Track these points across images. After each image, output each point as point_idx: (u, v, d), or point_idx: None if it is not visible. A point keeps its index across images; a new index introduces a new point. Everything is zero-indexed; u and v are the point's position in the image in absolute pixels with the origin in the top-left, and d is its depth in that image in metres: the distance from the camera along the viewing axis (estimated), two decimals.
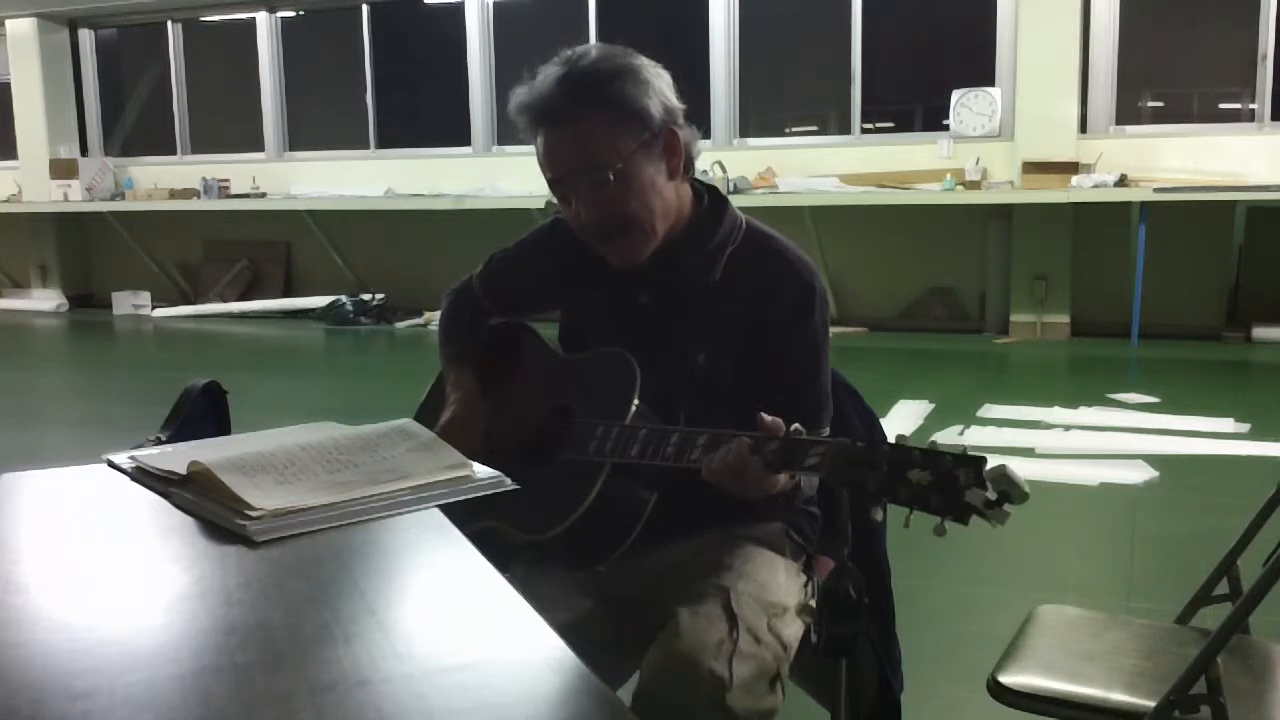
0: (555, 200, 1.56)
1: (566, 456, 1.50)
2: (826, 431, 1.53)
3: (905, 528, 1.20)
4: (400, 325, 8.23)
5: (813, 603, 1.51)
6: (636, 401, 1.47)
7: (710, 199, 1.59)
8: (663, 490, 1.47)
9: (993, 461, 1.13)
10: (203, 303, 9.27)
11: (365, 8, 9.04)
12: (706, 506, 1.40)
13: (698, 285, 1.55)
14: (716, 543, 1.51)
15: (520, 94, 1.50)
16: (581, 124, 1.46)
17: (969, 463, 1.13)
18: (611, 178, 1.46)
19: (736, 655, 1.33)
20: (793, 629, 1.44)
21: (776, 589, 1.46)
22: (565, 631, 0.86)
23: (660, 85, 1.49)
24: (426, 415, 1.73)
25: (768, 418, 1.31)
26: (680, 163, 1.52)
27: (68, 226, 10.00)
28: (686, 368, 1.54)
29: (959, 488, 1.12)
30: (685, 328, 1.56)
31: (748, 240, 1.58)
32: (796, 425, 1.30)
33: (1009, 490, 1.10)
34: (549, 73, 1.48)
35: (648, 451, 1.41)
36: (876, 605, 1.63)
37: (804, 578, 1.55)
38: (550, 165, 1.50)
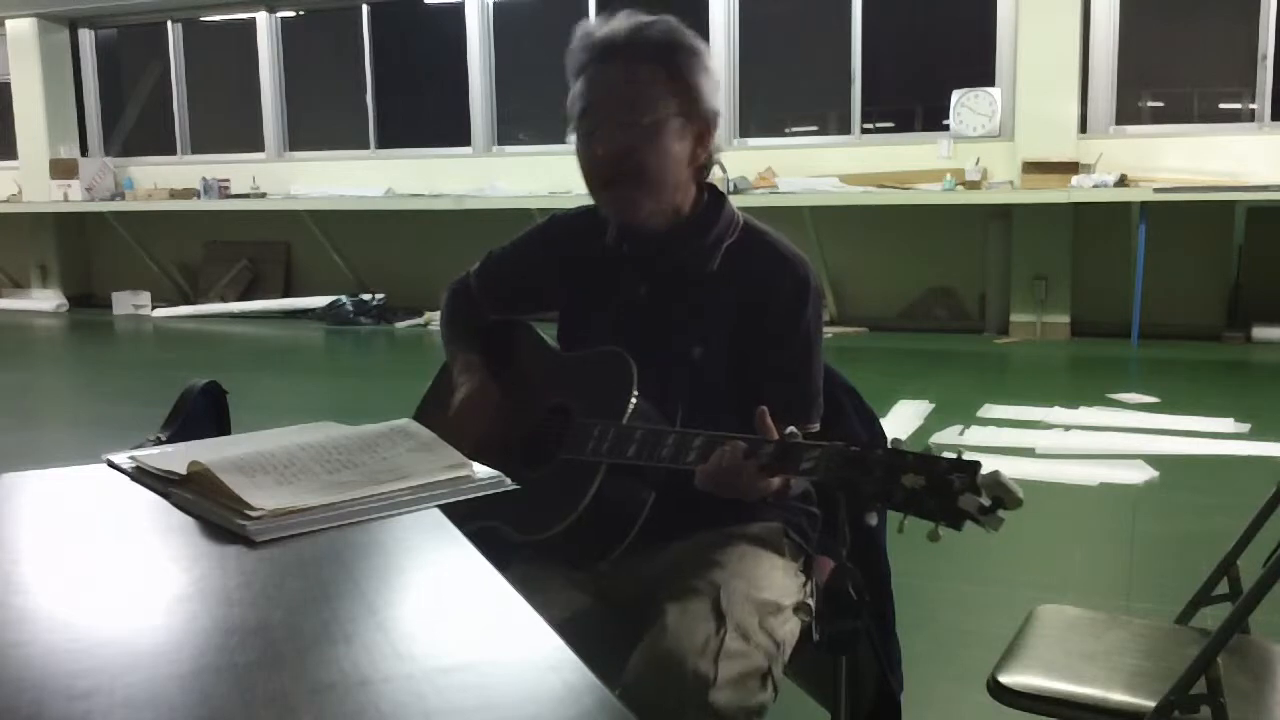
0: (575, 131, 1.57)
1: (564, 457, 1.50)
2: (816, 427, 1.54)
3: (899, 532, 1.21)
4: (400, 325, 8.23)
5: (811, 602, 1.52)
6: (634, 400, 1.48)
7: (709, 195, 1.62)
8: (660, 489, 1.47)
9: (991, 463, 1.13)
10: (203, 303, 9.27)
11: (365, 8, 9.04)
12: (705, 506, 1.41)
13: (696, 275, 1.57)
14: (714, 541, 1.51)
15: (592, 25, 1.54)
16: (640, 70, 1.50)
17: (963, 468, 1.13)
18: (643, 124, 1.49)
19: (722, 654, 1.33)
20: (787, 627, 1.44)
21: (771, 587, 1.46)
22: (562, 629, 0.86)
23: (717, 83, 1.55)
24: (431, 406, 1.73)
25: (768, 418, 1.31)
26: (703, 156, 1.56)
27: (68, 226, 10.00)
28: (683, 362, 1.55)
29: (953, 493, 1.12)
30: (682, 320, 1.57)
31: (744, 235, 1.60)
32: (792, 429, 1.30)
33: (1003, 496, 1.10)
34: (629, 18, 1.53)
35: (644, 452, 1.41)
36: (877, 605, 1.63)
37: (803, 578, 1.55)
38: (590, 93, 1.53)
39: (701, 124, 1.54)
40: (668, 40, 1.51)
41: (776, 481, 1.34)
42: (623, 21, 1.52)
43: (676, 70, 1.50)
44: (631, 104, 1.50)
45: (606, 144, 1.52)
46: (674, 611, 1.37)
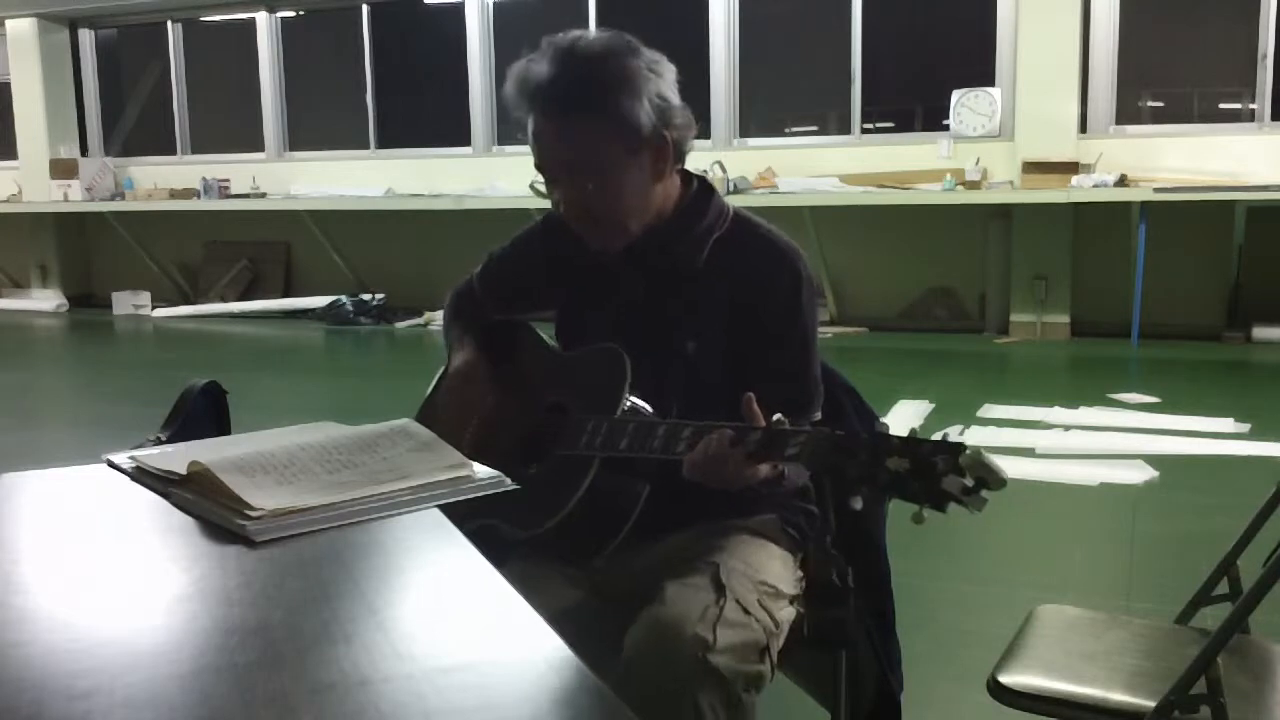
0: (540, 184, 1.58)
1: (559, 453, 1.51)
2: (818, 416, 1.54)
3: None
4: (400, 325, 8.22)
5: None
6: (628, 395, 1.48)
7: (698, 187, 1.61)
8: (655, 483, 1.47)
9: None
10: (203, 303, 9.27)
11: (365, 8, 9.03)
12: (699, 499, 1.41)
13: (688, 271, 1.57)
14: (710, 531, 1.52)
15: (516, 76, 1.51)
16: (571, 125, 1.48)
17: (946, 450, 1.13)
18: (591, 186, 1.48)
19: (722, 621, 1.33)
20: (785, 611, 1.45)
21: (769, 572, 1.47)
22: (559, 626, 0.86)
23: (657, 86, 1.49)
24: (432, 408, 1.74)
25: (755, 405, 1.31)
26: (668, 165, 1.54)
27: (68, 226, 10.00)
28: (677, 357, 1.55)
29: (937, 474, 1.12)
30: (675, 315, 1.57)
31: (735, 227, 1.59)
32: (778, 416, 1.31)
33: (986, 476, 1.11)
34: (546, 61, 1.48)
35: (635, 444, 1.42)
36: (877, 604, 1.63)
37: (799, 573, 1.56)
38: (537, 153, 1.53)
39: (654, 142, 1.50)
40: (592, 85, 1.46)
41: (764, 469, 1.34)
42: (547, 66, 1.47)
43: (607, 112, 1.46)
44: (575, 163, 1.49)
45: (566, 203, 1.53)
46: (673, 586, 1.38)
